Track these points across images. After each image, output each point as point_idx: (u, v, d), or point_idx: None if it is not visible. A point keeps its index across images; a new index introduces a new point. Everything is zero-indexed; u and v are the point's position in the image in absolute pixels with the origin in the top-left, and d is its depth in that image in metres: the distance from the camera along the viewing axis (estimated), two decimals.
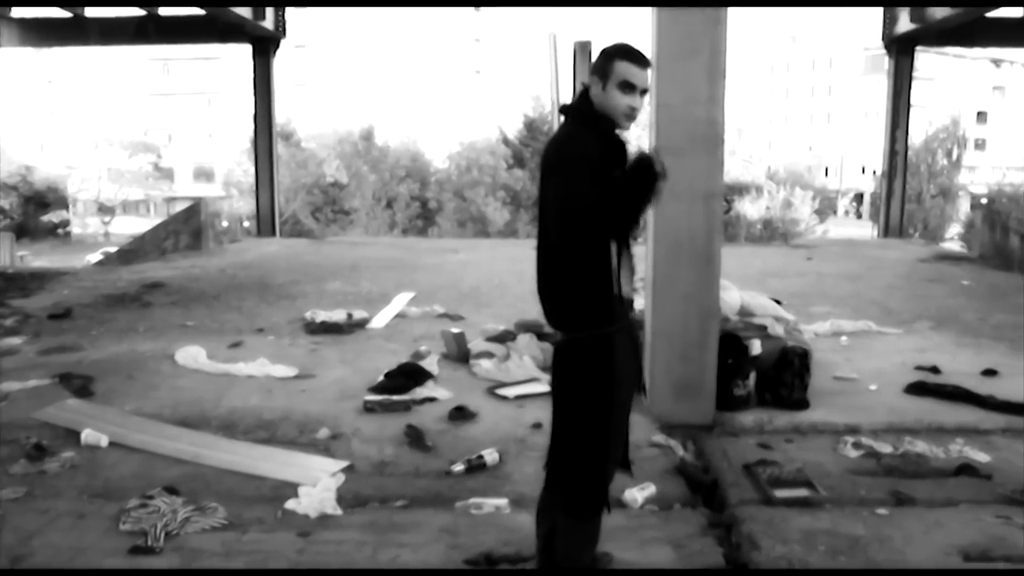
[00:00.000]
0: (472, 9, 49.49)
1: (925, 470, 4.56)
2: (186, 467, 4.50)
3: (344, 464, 4.53)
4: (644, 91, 3.02)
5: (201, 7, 15.57)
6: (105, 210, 50.20)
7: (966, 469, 4.55)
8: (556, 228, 2.98)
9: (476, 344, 6.67)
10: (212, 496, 4.09)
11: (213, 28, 17.01)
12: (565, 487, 3.14)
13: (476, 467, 4.45)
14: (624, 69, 2.98)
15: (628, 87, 2.98)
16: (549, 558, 3.18)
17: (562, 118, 3.18)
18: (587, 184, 2.86)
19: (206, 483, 4.30)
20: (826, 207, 40.43)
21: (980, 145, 61.45)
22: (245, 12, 16.23)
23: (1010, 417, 5.43)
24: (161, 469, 4.46)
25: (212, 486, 4.26)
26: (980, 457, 4.74)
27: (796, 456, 4.70)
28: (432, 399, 5.58)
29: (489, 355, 6.39)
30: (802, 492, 4.17)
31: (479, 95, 55.68)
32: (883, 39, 18.00)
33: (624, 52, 3.02)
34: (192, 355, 6.58)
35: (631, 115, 3.02)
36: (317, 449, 4.80)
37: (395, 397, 5.50)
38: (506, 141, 33.02)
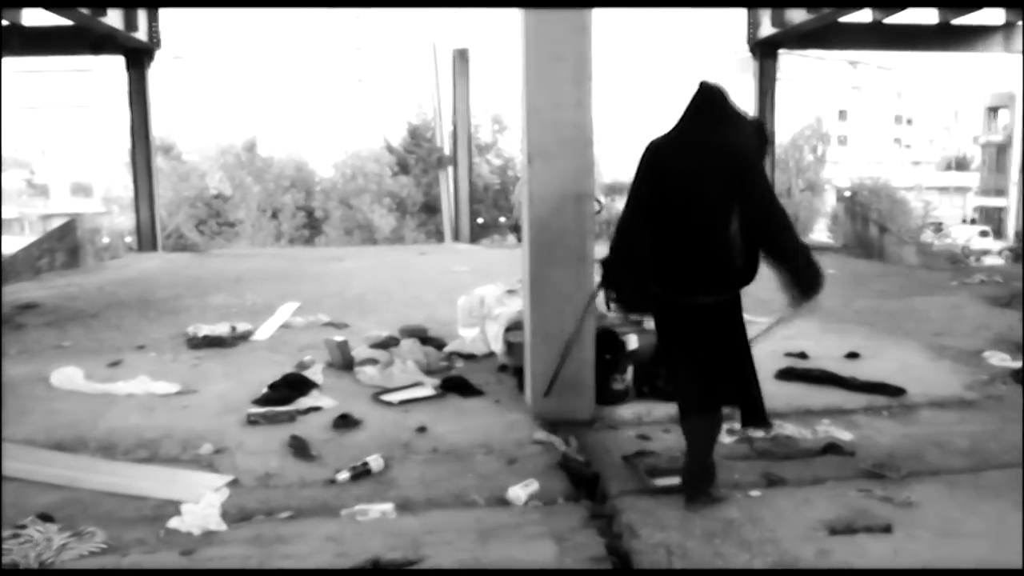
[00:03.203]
0: (353, 17, 49.01)
1: (794, 451, 4.73)
2: (62, 492, 4.29)
3: (228, 479, 4.42)
4: None
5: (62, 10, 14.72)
6: None
7: (831, 448, 4.75)
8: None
9: (360, 351, 6.60)
10: (90, 520, 3.91)
11: (83, 39, 16.30)
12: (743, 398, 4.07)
13: (361, 474, 4.40)
14: None
15: None
16: None
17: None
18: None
19: (84, 507, 4.12)
20: None
21: (843, 141, 64.19)
22: (116, 23, 15.64)
23: (870, 396, 5.71)
24: (35, 496, 4.24)
25: (90, 510, 4.09)
26: (844, 436, 4.96)
27: (674, 445, 4.78)
28: (317, 408, 5.48)
29: (373, 362, 6.33)
30: (679, 479, 4.25)
31: (362, 104, 55.16)
32: (748, 42, 18.59)
33: None
34: (68, 376, 6.29)
35: None
36: (200, 465, 4.66)
37: (279, 408, 5.38)
38: (390, 148, 32.84)
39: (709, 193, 3.86)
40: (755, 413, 4.12)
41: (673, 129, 4.05)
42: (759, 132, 4.10)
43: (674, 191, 3.92)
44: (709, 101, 3.98)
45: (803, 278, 4.02)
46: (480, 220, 25.48)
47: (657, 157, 4.02)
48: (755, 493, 4.16)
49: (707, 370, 4.01)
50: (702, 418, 4.06)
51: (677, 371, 4.18)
